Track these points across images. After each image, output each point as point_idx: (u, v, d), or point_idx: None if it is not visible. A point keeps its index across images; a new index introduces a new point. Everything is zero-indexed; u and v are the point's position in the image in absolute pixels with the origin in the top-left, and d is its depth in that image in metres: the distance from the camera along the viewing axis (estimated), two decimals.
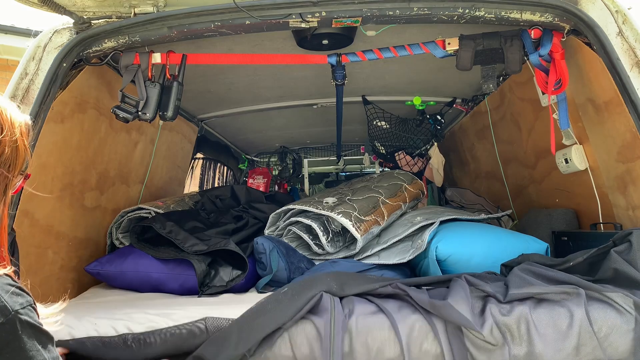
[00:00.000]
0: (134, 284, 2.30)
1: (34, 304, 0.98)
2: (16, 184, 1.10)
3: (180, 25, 1.98)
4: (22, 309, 0.92)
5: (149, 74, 2.19)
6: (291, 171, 6.07)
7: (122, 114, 2.15)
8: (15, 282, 0.97)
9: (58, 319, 1.11)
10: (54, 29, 2.01)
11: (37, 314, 0.98)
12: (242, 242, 2.57)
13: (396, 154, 4.72)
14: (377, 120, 4.04)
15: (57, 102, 2.04)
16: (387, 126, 4.15)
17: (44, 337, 0.97)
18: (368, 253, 2.48)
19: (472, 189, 4.01)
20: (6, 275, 0.97)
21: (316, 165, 6.55)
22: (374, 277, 1.97)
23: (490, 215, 2.91)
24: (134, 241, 2.42)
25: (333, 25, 2.06)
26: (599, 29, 1.90)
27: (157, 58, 2.22)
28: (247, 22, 1.95)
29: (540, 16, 1.97)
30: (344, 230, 2.53)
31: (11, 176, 1.06)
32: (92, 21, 2.00)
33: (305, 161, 6.25)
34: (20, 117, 1.10)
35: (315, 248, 2.50)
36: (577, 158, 2.40)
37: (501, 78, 3.03)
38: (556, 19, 1.98)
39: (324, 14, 1.94)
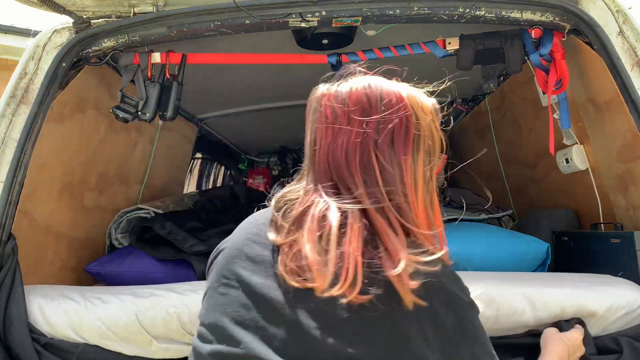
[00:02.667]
0: (133, 284, 2.29)
1: None
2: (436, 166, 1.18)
3: (180, 24, 1.97)
4: None
5: (149, 74, 2.18)
6: (291, 171, 6.05)
7: (121, 114, 2.15)
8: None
9: None
10: (53, 29, 2.00)
11: None
12: None
13: None
14: None
15: (57, 102, 2.03)
16: None
17: None
18: None
19: (472, 189, 4.00)
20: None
21: None
22: None
23: (490, 216, 2.90)
24: (134, 241, 2.41)
25: (333, 25, 2.06)
26: (600, 28, 1.89)
27: (156, 58, 2.21)
28: (247, 21, 1.95)
29: (541, 16, 1.97)
30: None
31: (434, 160, 1.15)
32: (92, 21, 1.99)
33: None
34: (428, 101, 1.21)
35: None
36: (577, 158, 2.40)
37: (501, 78, 3.02)
38: (556, 18, 1.97)
39: (324, 13, 1.94)
